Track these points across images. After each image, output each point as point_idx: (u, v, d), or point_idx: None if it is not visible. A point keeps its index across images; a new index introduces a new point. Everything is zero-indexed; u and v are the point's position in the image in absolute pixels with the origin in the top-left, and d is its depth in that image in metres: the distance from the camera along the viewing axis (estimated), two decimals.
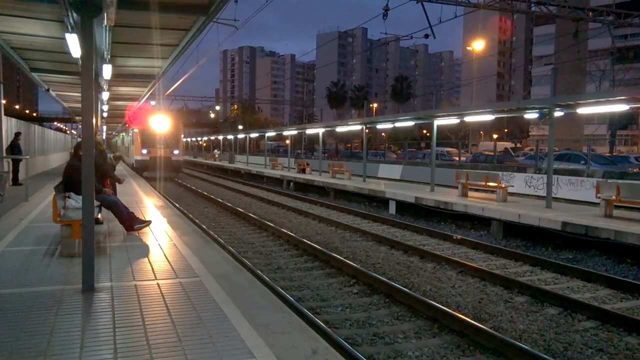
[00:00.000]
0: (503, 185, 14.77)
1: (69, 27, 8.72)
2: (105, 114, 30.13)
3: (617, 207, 11.88)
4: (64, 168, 8.03)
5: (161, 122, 27.99)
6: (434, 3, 21.12)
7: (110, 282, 5.28)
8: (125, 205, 8.19)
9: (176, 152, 28.75)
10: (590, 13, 26.86)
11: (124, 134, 43.30)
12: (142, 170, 27.29)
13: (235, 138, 52.33)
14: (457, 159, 33.70)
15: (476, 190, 16.73)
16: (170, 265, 6.10)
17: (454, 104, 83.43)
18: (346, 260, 8.97)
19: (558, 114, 13.68)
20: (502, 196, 14.40)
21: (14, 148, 16.17)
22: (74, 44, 9.10)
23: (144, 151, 27.77)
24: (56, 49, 12.68)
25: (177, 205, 16.16)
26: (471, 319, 6.06)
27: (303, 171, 28.72)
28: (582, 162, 22.90)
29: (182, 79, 28.93)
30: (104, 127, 44.90)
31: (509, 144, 47.57)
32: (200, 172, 42.34)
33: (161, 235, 8.07)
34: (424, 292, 7.56)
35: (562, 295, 7.21)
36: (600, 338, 5.89)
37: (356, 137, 62.35)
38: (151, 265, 6.04)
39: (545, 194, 14.10)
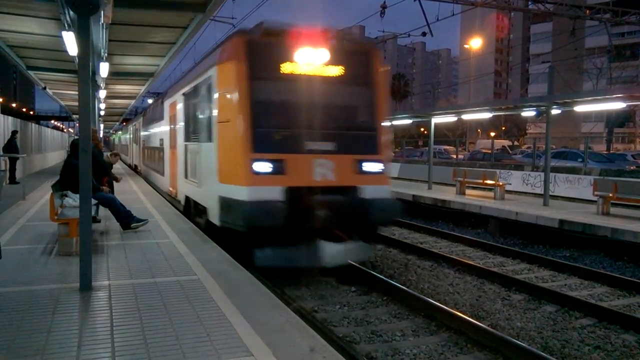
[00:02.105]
0: (500, 183, 14.79)
1: (66, 25, 8.70)
2: (102, 112, 30.05)
3: (614, 204, 11.91)
4: (62, 166, 8.00)
5: (323, 52, 7.36)
6: (431, 1, 21.05)
7: (108, 281, 5.27)
8: (122, 204, 8.17)
9: (378, 166, 7.68)
10: (587, 11, 26.90)
11: (141, 119, 21.60)
12: (256, 235, 6.95)
13: None
14: (454, 157, 33.72)
15: (474, 188, 16.73)
16: (168, 263, 6.08)
17: (451, 101, 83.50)
18: None
19: (555, 111, 13.71)
20: (499, 194, 14.42)
21: (11, 146, 16.12)
22: (70, 42, 9.09)
23: (258, 166, 6.99)
24: (53, 47, 12.66)
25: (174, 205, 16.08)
26: (469, 317, 6.08)
27: None
28: (579, 159, 22.91)
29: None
30: (102, 126, 44.67)
31: (506, 142, 47.56)
32: None
33: (159, 234, 8.04)
34: (421, 290, 7.57)
35: (559, 293, 7.24)
36: (597, 335, 5.92)
37: None
38: (149, 264, 6.02)
39: (542, 192, 14.13)
